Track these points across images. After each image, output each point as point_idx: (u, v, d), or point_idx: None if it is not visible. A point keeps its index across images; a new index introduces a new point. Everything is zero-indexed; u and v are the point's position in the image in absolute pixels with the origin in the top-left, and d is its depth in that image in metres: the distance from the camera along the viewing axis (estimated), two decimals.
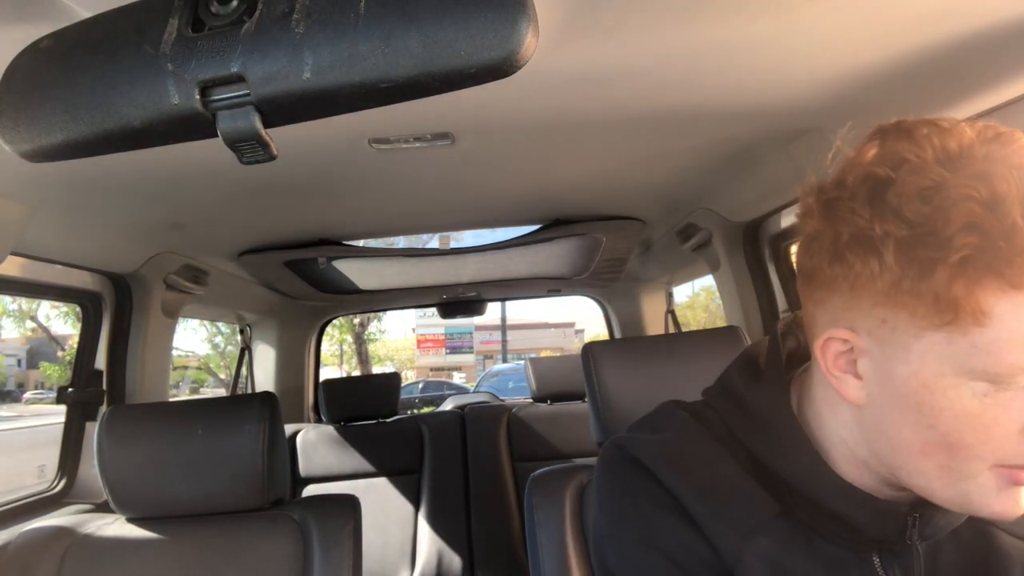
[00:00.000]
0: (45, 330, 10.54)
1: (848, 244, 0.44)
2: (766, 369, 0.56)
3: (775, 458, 0.52)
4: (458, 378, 16.47)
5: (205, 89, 0.39)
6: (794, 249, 1.45)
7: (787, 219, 1.37)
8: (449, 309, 2.61)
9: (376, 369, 13.06)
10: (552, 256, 1.88)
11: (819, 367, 0.50)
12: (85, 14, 0.47)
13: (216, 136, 0.40)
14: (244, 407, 1.04)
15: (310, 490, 2.04)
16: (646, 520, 0.52)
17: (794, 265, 0.55)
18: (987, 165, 0.40)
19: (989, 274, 0.39)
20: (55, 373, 10.36)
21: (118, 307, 1.45)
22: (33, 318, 10.05)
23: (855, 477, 0.50)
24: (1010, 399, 0.41)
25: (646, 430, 0.59)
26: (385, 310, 3.87)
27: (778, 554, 0.49)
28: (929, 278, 0.40)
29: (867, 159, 0.45)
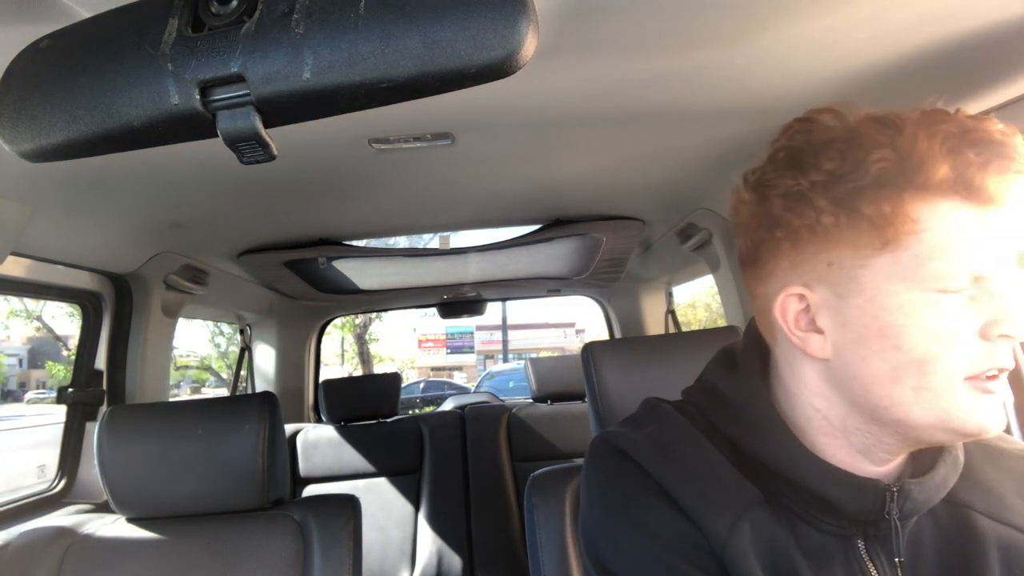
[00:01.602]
0: (50, 330, 10.57)
1: (784, 206, 0.48)
2: (741, 361, 0.58)
3: (755, 443, 0.53)
4: (459, 378, 16.47)
5: (205, 89, 0.39)
6: None
7: None
8: (449, 309, 2.61)
9: (378, 369, 13.06)
10: (552, 256, 1.88)
11: (781, 341, 0.52)
12: (85, 14, 0.47)
13: (216, 136, 0.40)
14: (244, 407, 1.05)
15: (310, 490, 2.04)
16: (635, 507, 0.53)
17: (739, 260, 0.58)
18: (882, 118, 0.47)
19: (907, 184, 0.44)
20: (60, 372, 10.38)
21: (118, 307, 1.45)
22: (39, 318, 10.09)
23: (834, 451, 0.51)
24: (962, 303, 0.45)
25: (631, 426, 0.61)
26: (385, 310, 3.86)
27: (762, 540, 0.50)
28: (859, 206, 0.45)
29: (780, 142, 0.51)
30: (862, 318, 0.46)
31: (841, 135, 0.47)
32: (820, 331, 0.49)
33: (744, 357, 0.58)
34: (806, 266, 0.49)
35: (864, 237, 0.46)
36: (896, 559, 0.50)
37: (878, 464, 0.51)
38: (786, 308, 0.50)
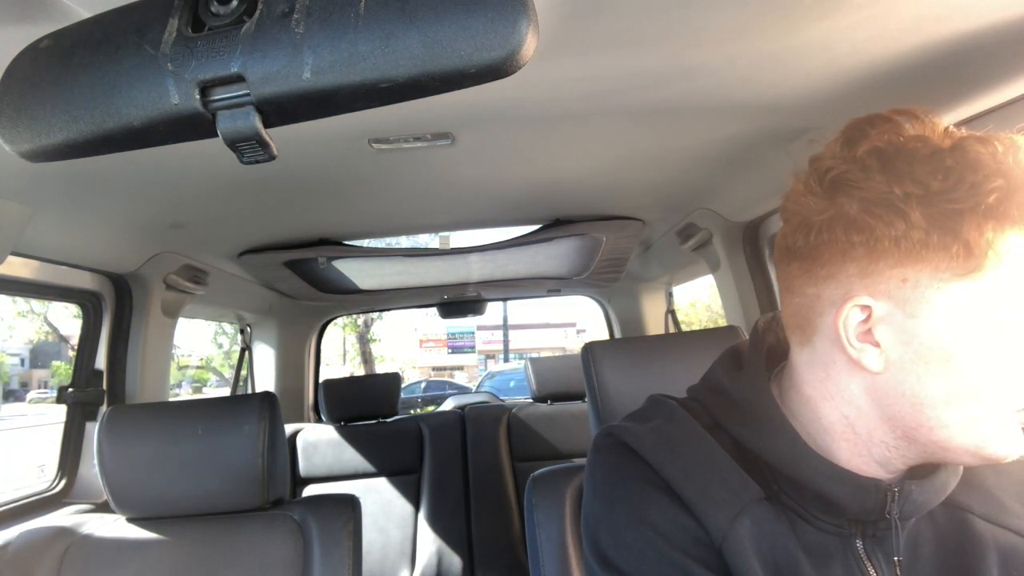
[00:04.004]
0: (55, 330, 10.61)
1: (867, 211, 0.45)
2: (747, 361, 0.58)
3: (758, 442, 0.53)
4: (460, 378, 16.47)
5: (205, 89, 0.39)
6: None
7: None
8: (449, 309, 2.61)
9: (380, 368, 13.06)
10: (552, 256, 1.88)
11: (820, 346, 0.50)
12: (85, 14, 0.47)
13: (216, 136, 0.40)
14: (244, 407, 1.05)
15: (310, 490, 2.04)
16: (638, 500, 0.54)
17: (782, 251, 0.55)
18: (983, 139, 0.44)
19: (1007, 217, 0.42)
20: (65, 371, 10.43)
21: (118, 307, 1.45)
22: (47, 321, 10.15)
23: (850, 457, 0.50)
24: None
25: (636, 421, 0.61)
26: (386, 310, 3.87)
27: (762, 535, 0.50)
28: (958, 228, 0.43)
29: (867, 139, 0.47)
30: (929, 342, 0.44)
31: (946, 145, 0.44)
32: (876, 344, 0.47)
33: (750, 357, 0.58)
34: (878, 277, 0.46)
35: (949, 261, 0.43)
36: (895, 558, 0.51)
37: (891, 472, 0.51)
38: (848, 320, 0.47)
